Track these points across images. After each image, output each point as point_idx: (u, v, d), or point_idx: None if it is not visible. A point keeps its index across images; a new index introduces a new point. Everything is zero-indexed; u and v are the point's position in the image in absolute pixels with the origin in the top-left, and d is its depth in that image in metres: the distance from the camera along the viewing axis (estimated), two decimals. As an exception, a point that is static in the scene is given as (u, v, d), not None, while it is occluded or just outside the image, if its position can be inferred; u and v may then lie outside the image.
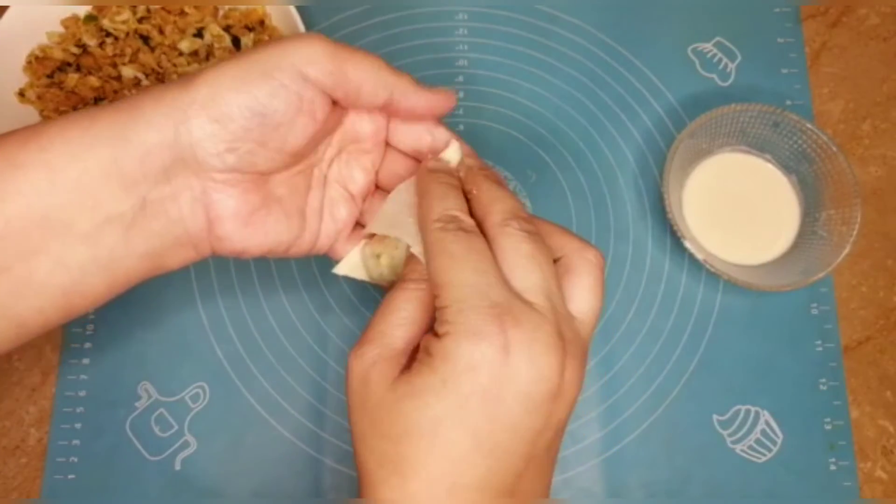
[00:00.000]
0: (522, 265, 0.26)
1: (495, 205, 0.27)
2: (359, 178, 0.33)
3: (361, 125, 0.32)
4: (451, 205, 0.27)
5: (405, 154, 0.33)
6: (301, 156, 0.30)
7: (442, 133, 0.32)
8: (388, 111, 0.31)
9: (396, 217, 0.30)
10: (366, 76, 0.28)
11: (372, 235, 0.32)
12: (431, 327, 0.26)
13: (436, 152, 0.32)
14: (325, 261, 0.43)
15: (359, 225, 0.34)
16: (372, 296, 0.43)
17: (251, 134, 0.27)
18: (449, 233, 0.26)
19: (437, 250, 0.26)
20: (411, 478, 0.24)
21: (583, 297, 0.27)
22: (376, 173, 0.34)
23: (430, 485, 0.24)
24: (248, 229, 0.29)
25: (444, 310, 0.25)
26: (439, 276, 0.25)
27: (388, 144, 0.33)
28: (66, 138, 0.26)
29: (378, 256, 0.31)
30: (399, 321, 0.27)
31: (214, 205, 0.28)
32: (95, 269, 0.27)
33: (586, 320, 0.27)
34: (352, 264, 0.32)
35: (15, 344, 0.28)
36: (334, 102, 0.29)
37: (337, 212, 0.33)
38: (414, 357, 0.26)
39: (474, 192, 0.28)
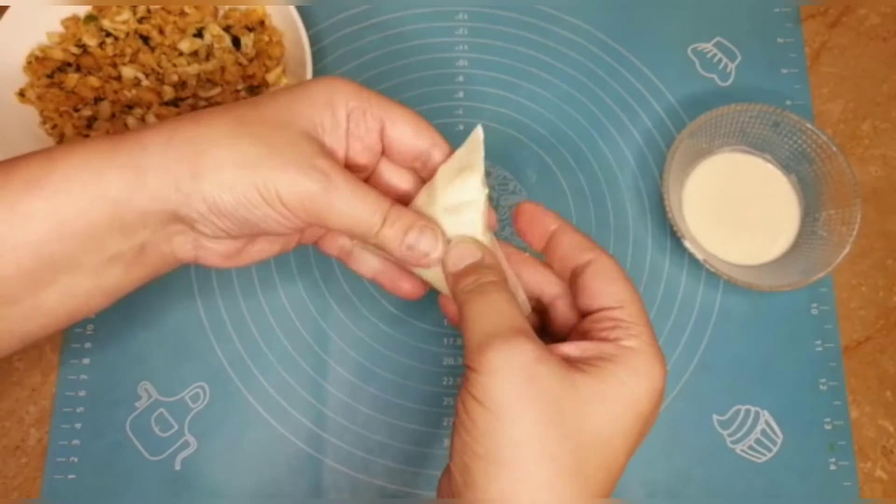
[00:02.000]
0: (626, 295, 0.28)
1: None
2: None
3: (356, 141, 0.32)
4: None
5: (403, 166, 0.33)
6: None
7: (442, 146, 0.31)
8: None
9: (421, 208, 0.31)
10: (353, 220, 0.28)
11: None
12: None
13: (433, 167, 0.31)
14: (325, 261, 0.43)
15: None
16: (373, 296, 0.43)
17: (241, 228, 0.29)
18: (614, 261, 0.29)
19: (617, 273, 0.28)
20: (578, 486, 0.25)
21: (623, 289, 0.29)
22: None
23: (589, 495, 0.25)
24: (233, 261, 0.32)
25: (629, 324, 0.27)
26: (623, 294, 0.28)
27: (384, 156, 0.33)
28: (71, 192, 0.26)
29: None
30: (520, 315, 0.27)
31: (203, 247, 0.30)
32: (99, 294, 0.29)
33: (631, 305, 0.29)
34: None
35: (14, 350, 0.29)
36: None
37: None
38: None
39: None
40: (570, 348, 0.27)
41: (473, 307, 0.27)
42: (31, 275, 0.27)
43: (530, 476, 0.24)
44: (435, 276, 0.31)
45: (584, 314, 0.29)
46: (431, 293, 0.43)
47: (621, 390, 0.25)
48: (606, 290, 0.28)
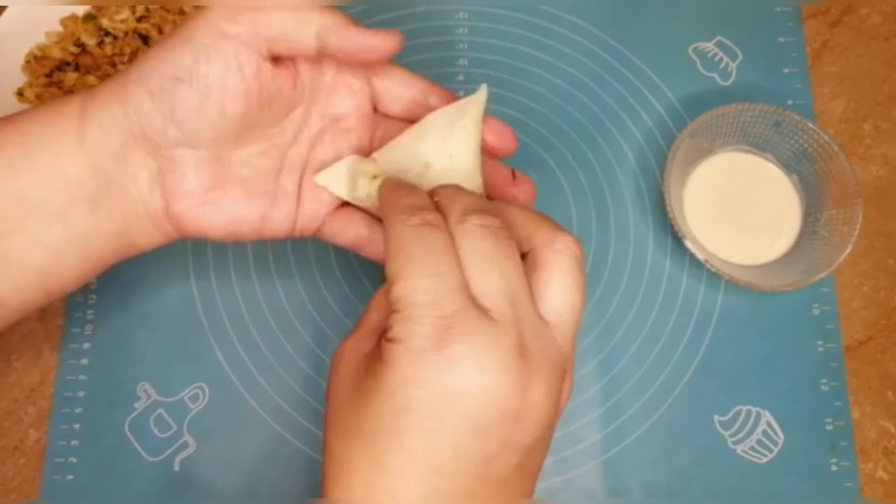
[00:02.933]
0: (481, 267, 0.23)
1: (453, 203, 0.26)
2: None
3: (340, 103, 0.32)
4: (417, 200, 0.26)
5: (402, 120, 0.32)
6: (253, 125, 0.29)
7: (431, 88, 0.31)
8: (326, 55, 0.29)
9: (399, 155, 0.30)
10: (287, 16, 0.27)
11: (368, 152, 0.32)
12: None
13: (428, 108, 0.31)
14: (325, 261, 0.43)
15: (346, 204, 0.33)
16: (371, 294, 0.43)
17: (185, 103, 0.27)
18: (412, 227, 0.24)
19: (396, 246, 0.24)
20: (348, 486, 0.24)
21: (556, 296, 0.24)
22: (371, 147, 0.33)
23: (368, 495, 0.23)
24: (204, 208, 0.29)
25: (394, 314, 0.23)
26: (395, 274, 0.24)
27: (378, 113, 0.33)
28: (39, 121, 0.27)
29: (375, 177, 0.30)
30: (375, 305, 0.28)
31: (169, 184, 0.29)
32: (69, 247, 0.28)
33: (563, 322, 0.25)
34: (334, 176, 0.31)
35: None
36: (276, 60, 0.28)
37: (321, 193, 0.32)
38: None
39: (434, 198, 0.27)
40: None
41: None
42: (1, 211, 0.27)
43: (336, 458, 0.25)
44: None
45: None
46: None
47: (375, 386, 0.23)
48: (386, 269, 0.25)
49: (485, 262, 0.24)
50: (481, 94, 0.31)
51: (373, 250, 0.32)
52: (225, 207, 0.30)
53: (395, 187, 0.27)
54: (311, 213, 0.32)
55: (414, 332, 0.23)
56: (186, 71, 0.26)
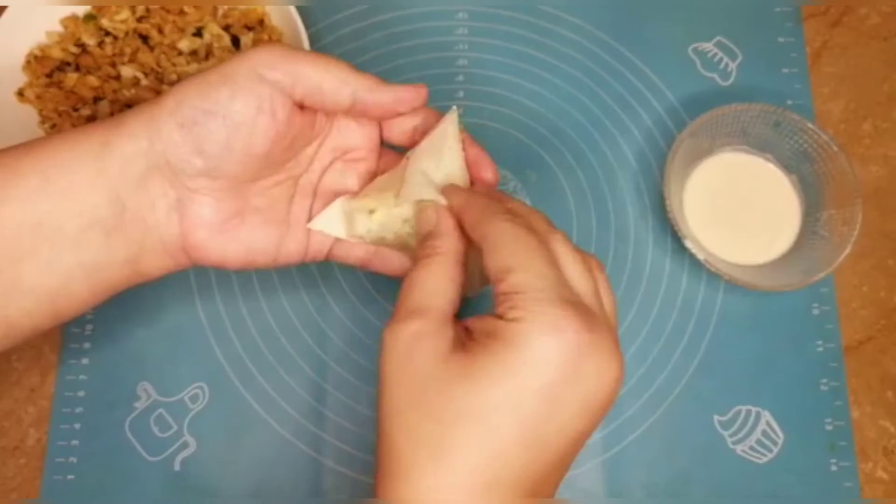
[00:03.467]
0: (576, 269, 0.26)
1: (533, 216, 0.28)
2: (354, 186, 0.34)
3: (352, 135, 0.33)
4: (511, 206, 0.28)
5: (406, 146, 0.34)
6: (273, 162, 0.31)
7: (430, 114, 0.32)
8: (358, 111, 0.30)
9: (421, 181, 0.31)
10: (325, 74, 0.28)
11: (355, 193, 0.33)
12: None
13: (426, 131, 0.32)
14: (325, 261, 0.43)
15: None
16: (372, 296, 0.43)
17: (214, 136, 0.28)
18: (520, 227, 0.26)
19: (510, 238, 0.26)
20: (448, 465, 0.24)
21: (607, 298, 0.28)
22: (377, 173, 0.34)
23: (467, 475, 0.23)
24: (222, 238, 0.30)
25: (518, 296, 0.24)
26: (512, 260, 0.25)
27: (383, 145, 0.34)
28: (59, 150, 0.28)
29: (371, 212, 0.31)
30: (440, 292, 0.27)
31: (188, 213, 0.29)
32: (80, 273, 0.28)
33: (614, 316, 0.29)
34: (328, 220, 0.32)
35: (4, 346, 0.29)
36: (302, 107, 0.30)
37: None
38: (465, 335, 0.26)
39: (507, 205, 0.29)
40: (471, 322, 0.26)
41: (411, 275, 0.28)
42: (15, 237, 0.27)
43: (400, 452, 0.24)
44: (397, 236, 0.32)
45: None
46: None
47: (494, 367, 0.24)
48: (492, 262, 0.26)
49: (578, 265, 0.26)
50: (452, 114, 0.32)
51: (380, 264, 0.34)
52: (243, 237, 0.31)
53: (481, 195, 0.29)
54: (321, 238, 0.33)
55: (549, 313, 0.24)
56: (220, 107, 0.28)
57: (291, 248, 0.32)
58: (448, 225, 0.29)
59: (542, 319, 0.24)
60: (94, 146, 0.28)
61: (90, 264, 0.28)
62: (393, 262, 0.34)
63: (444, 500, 0.23)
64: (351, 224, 0.32)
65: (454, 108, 0.32)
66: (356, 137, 0.33)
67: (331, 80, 0.29)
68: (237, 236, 0.31)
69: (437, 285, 0.27)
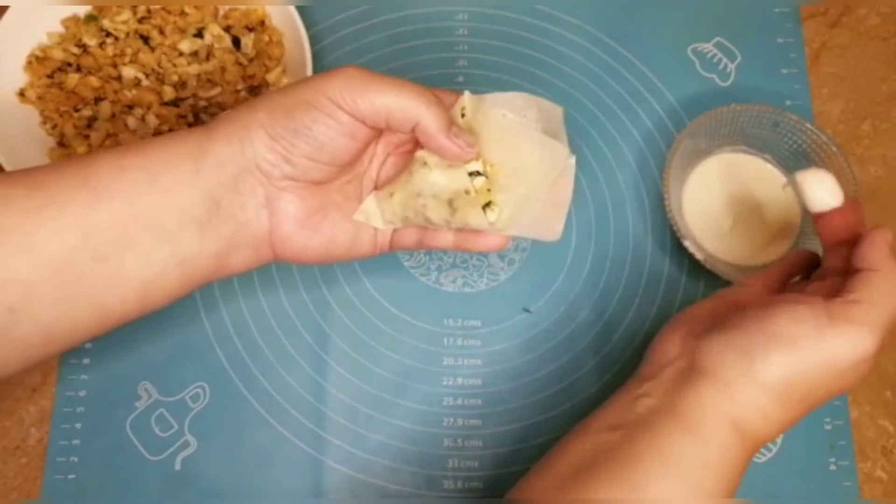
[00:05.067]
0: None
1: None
2: None
3: (398, 134, 0.35)
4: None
5: None
6: (352, 167, 0.35)
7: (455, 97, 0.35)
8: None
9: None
10: (395, 108, 0.31)
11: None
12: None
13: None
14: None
15: None
16: (372, 296, 0.43)
17: (300, 150, 0.31)
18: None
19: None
20: (758, 368, 0.30)
21: None
22: None
23: (770, 381, 0.30)
24: (307, 230, 0.33)
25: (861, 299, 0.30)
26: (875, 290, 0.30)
27: None
28: (162, 151, 0.31)
29: (391, 195, 0.34)
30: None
31: (276, 209, 0.32)
32: (174, 265, 0.31)
33: None
34: (366, 212, 0.35)
35: (96, 332, 0.31)
36: None
37: None
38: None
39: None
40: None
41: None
42: (122, 227, 0.29)
43: (719, 357, 0.31)
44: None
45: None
46: (425, 294, 0.43)
47: (819, 342, 0.29)
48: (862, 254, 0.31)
49: None
50: (557, 109, 0.36)
51: (432, 242, 0.36)
52: (325, 230, 0.34)
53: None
54: (384, 231, 0.36)
55: (874, 327, 0.29)
56: (304, 127, 0.31)
57: (365, 241, 0.35)
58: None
59: (870, 325, 0.29)
60: (193, 149, 0.31)
61: (183, 257, 0.31)
62: (439, 237, 0.36)
63: (747, 398, 0.30)
64: (383, 212, 0.35)
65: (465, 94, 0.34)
66: (405, 134, 0.35)
67: (399, 114, 0.31)
68: (320, 230, 0.34)
69: None
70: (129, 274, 0.30)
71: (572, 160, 0.36)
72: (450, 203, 0.34)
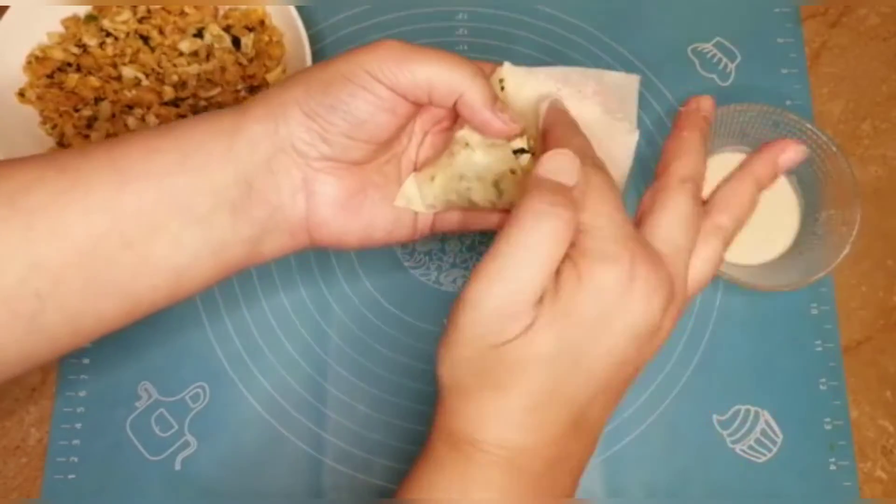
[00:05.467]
0: (675, 222, 0.28)
1: (684, 158, 0.30)
2: None
3: (439, 110, 0.33)
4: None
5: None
6: (391, 146, 0.33)
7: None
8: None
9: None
10: (436, 79, 0.29)
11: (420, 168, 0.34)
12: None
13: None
14: (325, 261, 0.43)
15: None
16: (372, 296, 0.43)
17: (338, 128, 0.29)
18: (599, 170, 0.28)
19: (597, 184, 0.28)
20: (507, 392, 0.26)
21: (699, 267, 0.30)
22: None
23: (524, 400, 0.26)
24: (346, 213, 0.31)
25: (581, 234, 0.26)
26: (603, 206, 0.27)
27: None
28: (195, 130, 0.29)
29: (432, 178, 0.33)
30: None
31: (314, 192, 0.31)
32: (206, 251, 0.29)
33: (698, 281, 0.30)
34: (406, 196, 0.33)
35: (124, 322, 0.30)
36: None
37: None
38: None
39: (684, 133, 0.32)
40: None
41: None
42: (150, 212, 0.28)
43: (468, 385, 0.27)
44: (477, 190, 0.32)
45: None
46: (425, 294, 0.43)
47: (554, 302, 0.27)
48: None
49: (680, 220, 0.29)
50: (633, 79, 0.34)
51: (475, 223, 0.35)
52: (365, 213, 0.32)
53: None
54: (425, 214, 0.34)
55: (604, 246, 0.26)
56: (342, 103, 0.29)
57: (405, 223, 0.33)
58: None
59: (598, 253, 0.26)
60: (227, 128, 0.29)
61: (216, 242, 0.29)
62: (484, 219, 0.35)
63: (501, 419, 0.26)
64: (423, 196, 0.33)
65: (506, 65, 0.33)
66: (443, 110, 0.33)
67: (442, 86, 0.30)
68: (359, 213, 0.32)
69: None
70: (158, 260, 0.29)
71: (634, 136, 0.33)
72: (496, 185, 0.32)
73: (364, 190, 0.32)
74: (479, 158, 0.31)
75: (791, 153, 0.32)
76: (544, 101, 0.32)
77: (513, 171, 0.31)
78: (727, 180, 0.32)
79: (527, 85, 0.33)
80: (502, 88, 0.32)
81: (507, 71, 0.32)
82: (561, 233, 0.25)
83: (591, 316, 0.25)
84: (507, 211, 0.32)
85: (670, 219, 0.28)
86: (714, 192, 0.32)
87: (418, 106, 0.31)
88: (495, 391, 0.26)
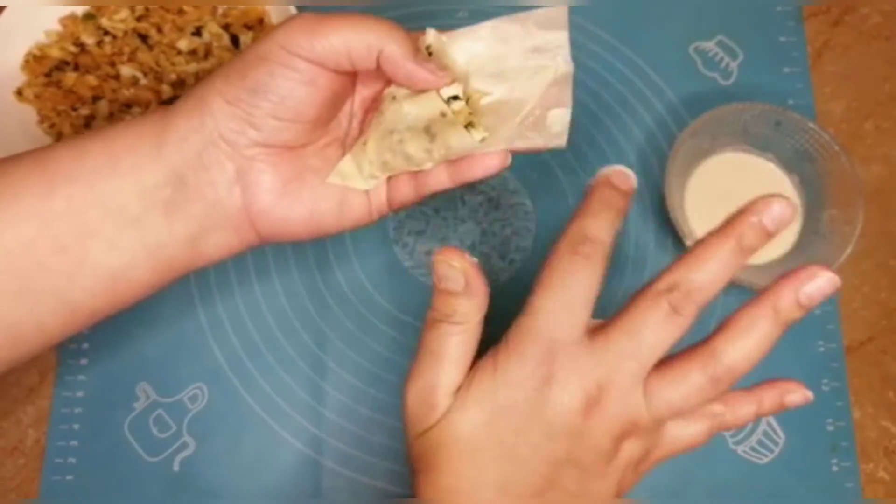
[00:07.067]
0: (631, 330, 0.28)
1: (677, 271, 0.30)
2: None
3: (375, 84, 0.33)
4: (598, 226, 0.30)
5: None
6: (322, 123, 0.32)
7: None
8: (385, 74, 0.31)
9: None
10: (352, 43, 0.29)
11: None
12: None
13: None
14: (324, 260, 0.43)
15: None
16: (372, 296, 0.43)
17: (262, 110, 0.29)
18: (564, 257, 0.28)
19: (545, 269, 0.29)
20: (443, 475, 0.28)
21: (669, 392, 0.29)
22: None
23: (459, 480, 0.27)
24: (285, 201, 0.31)
25: (513, 328, 0.28)
26: (533, 294, 0.29)
27: None
28: (125, 133, 0.30)
29: (365, 144, 0.32)
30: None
31: (249, 182, 0.30)
32: (142, 253, 0.29)
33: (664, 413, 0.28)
34: (344, 172, 0.32)
35: (65, 332, 0.30)
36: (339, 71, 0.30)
37: None
38: None
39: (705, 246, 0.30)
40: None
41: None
42: (82, 215, 0.28)
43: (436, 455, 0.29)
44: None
45: None
46: (425, 294, 0.43)
47: (481, 386, 0.28)
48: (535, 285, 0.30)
49: (638, 328, 0.28)
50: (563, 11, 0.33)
51: (426, 185, 0.33)
52: (306, 198, 0.31)
53: (589, 209, 0.31)
54: (378, 193, 0.33)
55: (524, 345, 0.28)
56: (262, 85, 0.29)
57: (355, 205, 0.33)
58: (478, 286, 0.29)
59: (515, 349, 0.27)
60: (155, 128, 0.29)
61: (152, 244, 0.29)
62: (433, 178, 0.33)
63: (438, 500, 0.27)
64: (361, 168, 0.32)
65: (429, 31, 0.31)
66: (378, 84, 0.33)
67: (359, 45, 0.29)
68: (300, 198, 0.31)
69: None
70: (94, 264, 0.29)
71: (568, 67, 0.33)
72: (426, 130, 0.31)
73: (301, 175, 0.31)
74: (407, 109, 0.31)
75: (818, 288, 0.30)
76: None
77: (443, 114, 0.30)
78: (745, 307, 0.30)
79: (453, 46, 0.32)
80: (430, 55, 0.31)
81: (432, 36, 0.31)
82: (454, 339, 0.28)
83: (506, 405, 0.27)
84: (452, 164, 0.32)
85: (628, 328, 0.28)
86: (727, 322, 0.30)
87: (343, 76, 0.30)
88: (427, 475, 0.28)
